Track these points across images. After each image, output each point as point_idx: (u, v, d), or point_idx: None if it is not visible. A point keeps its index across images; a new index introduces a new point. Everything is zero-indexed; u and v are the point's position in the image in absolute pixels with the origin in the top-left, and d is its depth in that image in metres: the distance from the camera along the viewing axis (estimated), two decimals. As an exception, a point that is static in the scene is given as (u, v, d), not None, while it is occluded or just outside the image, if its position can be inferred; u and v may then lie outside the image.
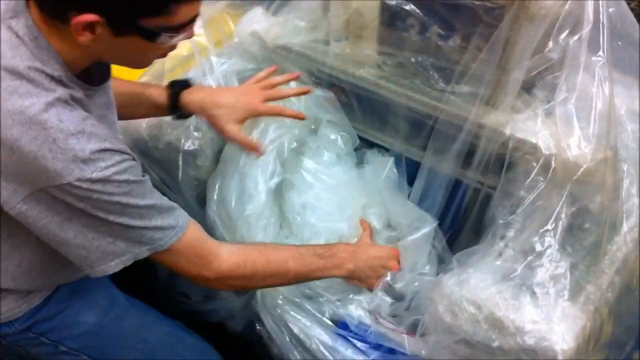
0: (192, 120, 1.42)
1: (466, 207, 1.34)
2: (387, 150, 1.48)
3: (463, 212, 1.36)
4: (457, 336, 1.04)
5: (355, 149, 1.55)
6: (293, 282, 1.21)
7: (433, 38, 1.22)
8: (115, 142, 0.93)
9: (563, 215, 1.07)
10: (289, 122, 1.44)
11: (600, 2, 1.06)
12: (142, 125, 1.45)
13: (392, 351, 1.17)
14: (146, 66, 1.05)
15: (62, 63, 0.91)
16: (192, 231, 1.05)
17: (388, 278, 1.26)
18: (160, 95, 1.31)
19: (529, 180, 1.12)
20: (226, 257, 1.09)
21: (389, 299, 1.25)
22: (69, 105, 0.89)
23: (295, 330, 1.19)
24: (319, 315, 1.23)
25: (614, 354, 1.18)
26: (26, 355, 1.20)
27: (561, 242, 1.06)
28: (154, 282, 1.53)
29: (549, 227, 1.07)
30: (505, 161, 1.17)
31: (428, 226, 1.30)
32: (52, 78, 0.88)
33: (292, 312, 1.22)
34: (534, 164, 1.13)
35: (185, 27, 0.92)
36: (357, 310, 1.25)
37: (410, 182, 1.45)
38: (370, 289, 1.27)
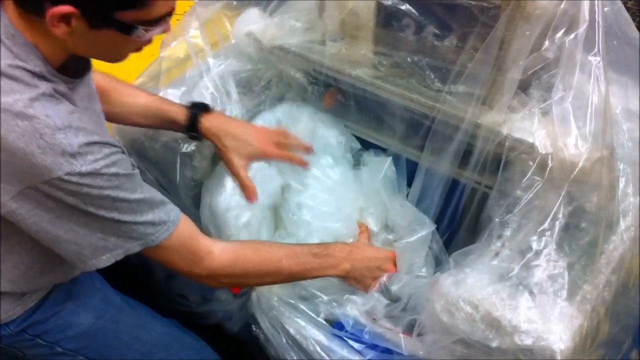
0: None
1: (463, 207, 1.35)
2: (384, 150, 1.48)
3: (460, 212, 1.36)
4: (454, 336, 1.04)
5: (353, 153, 1.55)
6: (288, 280, 1.21)
7: (429, 38, 1.22)
8: (103, 134, 0.93)
9: (560, 215, 1.07)
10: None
11: (596, 1, 1.06)
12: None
13: (388, 351, 1.17)
14: (122, 60, 1.05)
15: (42, 58, 0.91)
16: (184, 227, 1.05)
17: (384, 279, 1.26)
18: (179, 114, 1.34)
19: (525, 179, 1.12)
20: (218, 254, 1.09)
21: (384, 300, 1.25)
22: (55, 99, 0.89)
23: (292, 331, 1.19)
24: (315, 316, 1.23)
25: (611, 353, 1.18)
26: (22, 357, 1.20)
27: (558, 241, 1.06)
28: (150, 284, 1.52)
29: (545, 226, 1.07)
30: (502, 161, 1.17)
31: (426, 229, 1.30)
32: (33, 74, 0.88)
33: (287, 313, 1.22)
34: (530, 164, 1.13)
35: (160, 21, 0.92)
36: (352, 310, 1.25)
37: (409, 182, 1.45)
38: (366, 290, 1.27)
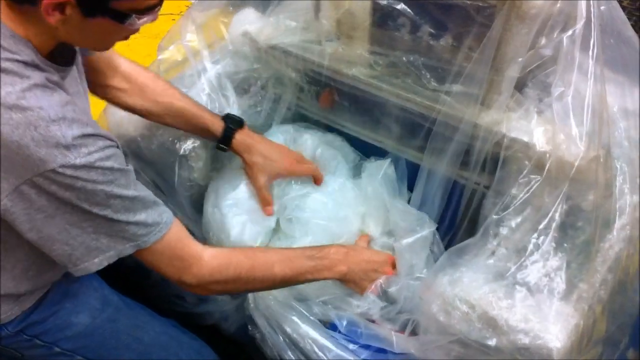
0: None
1: (464, 208, 1.34)
2: (384, 155, 1.48)
3: (461, 214, 1.35)
4: (450, 336, 1.04)
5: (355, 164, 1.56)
6: (282, 285, 1.20)
7: (424, 37, 1.22)
8: (97, 127, 0.93)
9: (556, 214, 1.07)
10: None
11: (592, 0, 1.06)
12: (134, 125, 1.45)
13: (382, 351, 1.17)
14: (109, 48, 1.06)
15: (32, 48, 0.91)
16: (176, 231, 1.05)
17: (381, 282, 1.26)
18: (216, 126, 1.37)
19: (522, 178, 1.12)
20: (207, 260, 1.08)
21: (380, 303, 1.25)
22: (48, 89, 0.89)
23: (288, 330, 1.19)
24: (311, 317, 1.23)
25: (608, 351, 1.18)
26: (21, 357, 1.20)
27: (554, 240, 1.06)
28: (147, 285, 1.52)
29: (541, 225, 1.07)
30: (500, 160, 1.17)
31: (426, 229, 1.30)
32: (25, 64, 0.89)
33: (284, 313, 1.21)
34: (527, 163, 1.13)
35: (153, 9, 0.94)
36: (347, 312, 1.25)
37: (410, 185, 1.45)
38: (362, 293, 1.26)
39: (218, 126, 1.37)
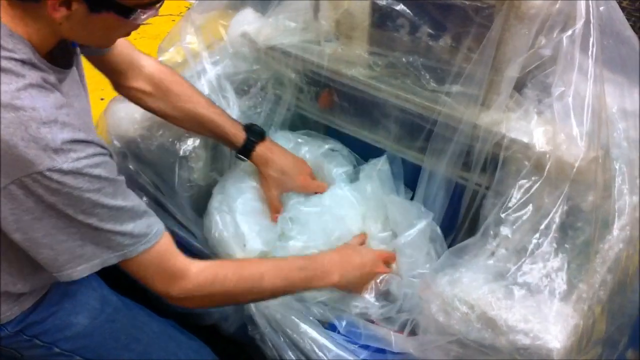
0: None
1: (465, 209, 1.34)
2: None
3: (462, 215, 1.35)
4: (450, 336, 1.04)
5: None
6: (273, 297, 1.19)
7: (423, 38, 1.22)
8: (91, 133, 0.92)
9: (555, 214, 1.07)
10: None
11: (591, 1, 1.06)
12: (134, 126, 1.45)
13: (382, 351, 1.17)
14: (110, 45, 1.07)
15: (30, 46, 0.90)
16: (164, 243, 1.03)
17: (378, 281, 1.26)
18: (238, 137, 1.40)
19: (521, 179, 1.12)
20: (194, 275, 1.06)
21: (378, 304, 1.25)
22: (44, 89, 0.89)
23: (289, 330, 1.19)
24: (311, 317, 1.23)
25: (607, 352, 1.18)
26: (20, 357, 1.20)
27: (553, 241, 1.06)
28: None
29: (541, 226, 1.07)
30: (500, 161, 1.17)
31: (423, 221, 1.30)
32: (22, 62, 0.88)
33: (284, 313, 1.21)
34: (526, 163, 1.13)
35: (156, 3, 0.94)
36: (346, 312, 1.25)
37: (410, 185, 1.45)
38: (362, 292, 1.27)
39: (240, 137, 1.40)
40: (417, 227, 1.30)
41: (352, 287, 1.26)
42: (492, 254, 1.09)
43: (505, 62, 1.12)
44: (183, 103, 1.36)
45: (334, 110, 1.52)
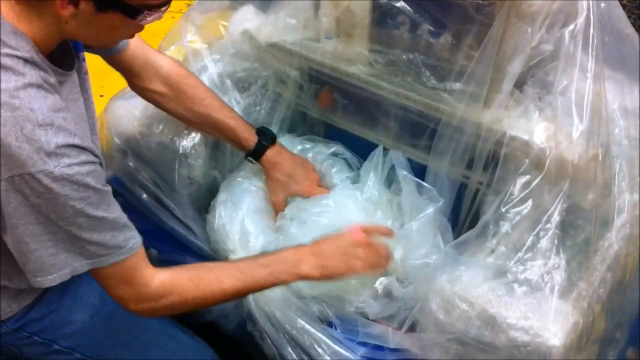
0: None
1: (467, 207, 1.34)
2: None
3: (464, 213, 1.35)
4: (449, 334, 1.04)
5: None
6: (237, 297, 1.17)
7: (424, 36, 1.22)
8: (86, 139, 0.92)
9: (555, 212, 1.07)
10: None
11: (591, -1, 1.06)
12: (133, 124, 1.45)
13: (380, 348, 1.17)
14: (113, 46, 1.08)
15: (33, 45, 0.90)
16: (135, 258, 1.02)
17: (380, 285, 1.25)
18: (248, 140, 1.42)
19: (521, 177, 1.12)
20: (154, 288, 1.05)
21: (376, 303, 1.24)
22: (43, 90, 0.88)
23: (288, 326, 1.19)
24: (310, 313, 1.23)
25: (607, 350, 1.19)
26: (19, 354, 1.20)
27: (553, 239, 1.06)
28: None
29: (540, 224, 1.07)
30: (500, 159, 1.17)
31: (431, 207, 1.30)
32: (25, 60, 0.88)
33: (284, 309, 1.21)
34: (526, 161, 1.13)
35: (163, 6, 0.94)
36: (344, 310, 1.25)
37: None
38: (353, 272, 1.19)
39: (251, 141, 1.42)
40: (426, 212, 1.30)
41: (333, 272, 1.18)
42: (492, 251, 1.09)
43: (506, 60, 1.12)
44: (197, 106, 1.37)
45: (334, 108, 1.52)
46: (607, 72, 1.15)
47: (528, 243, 1.06)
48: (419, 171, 1.38)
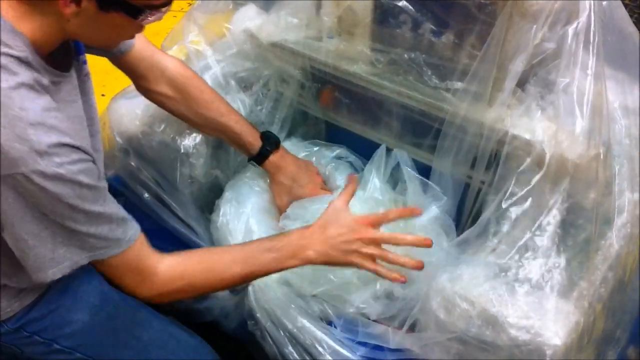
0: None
1: (470, 207, 1.33)
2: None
3: (467, 213, 1.34)
4: (450, 333, 1.04)
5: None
6: (245, 281, 1.19)
7: (426, 35, 1.22)
8: (77, 138, 0.92)
9: (556, 211, 1.07)
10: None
11: (593, -2, 1.06)
12: (135, 123, 1.45)
13: (380, 348, 1.17)
14: (114, 47, 1.08)
15: (29, 45, 0.90)
16: (137, 247, 1.04)
17: (380, 288, 1.25)
18: (253, 145, 1.43)
19: (522, 175, 1.12)
20: (162, 273, 1.07)
21: (379, 304, 1.24)
22: (34, 91, 0.88)
23: (289, 325, 1.19)
24: (311, 313, 1.23)
25: (608, 349, 1.18)
26: (20, 354, 1.19)
27: (554, 238, 1.06)
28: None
29: (542, 223, 1.07)
30: (502, 158, 1.17)
31: (434, 206, 1.30)
32: (19, 60, 0.88)
33: (285, 307, 1.21)
34: (527, 160, 1.13)
35: (164, 6, 0.94)
36: (345, 310, 1.25)
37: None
38: (354, 265, 1.16)
39: (255, 146, 1.43)
40: (429, 212, 1.30)
41: (336, 259, 1.16)
42: (493, 250, 1.09)
43: (509, 59, 1.12)
44: (203, 109, 1.38)
45: (336, 107, 1.52)
46: (608, 70, 1.15)
47: (529, 242, 1.06)
48: (423, 171, 1.38)
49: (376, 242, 1.15)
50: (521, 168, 1.11)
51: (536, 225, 1.07)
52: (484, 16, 1.11)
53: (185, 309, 1.41)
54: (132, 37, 1.03)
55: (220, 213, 1.42)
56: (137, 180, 1.47)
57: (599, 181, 1.08)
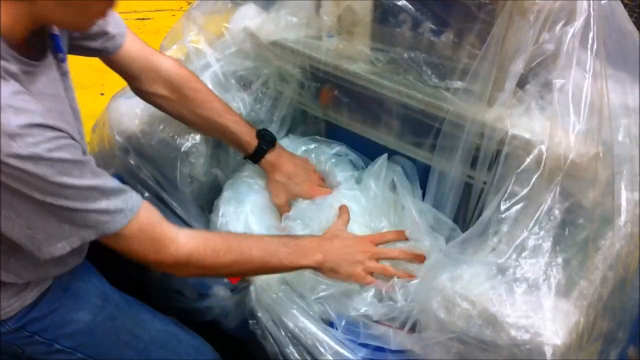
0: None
1: (473, 208, 1.33)
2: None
3: (469, 213, 1.34)
4: (451, 333, 1.04)
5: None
6: (260, 270, 1.20)
7: (425, 34, 1.22)
8: (50, 119, 0.89)
9: (556, 211, 1.07)
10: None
11: (593, -4, 1.06)
12: (135, 122, 1.45)
13: (381, 349, 1.17)
14: (87, 28, 1.04)
15: None
16: (145, 214, 1.02)
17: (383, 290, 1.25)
18: (250, 144, 1.44)
19: (522, 175, 1.12)
20: (184, 241, 1.06)
21: (381, 305, 1.24)
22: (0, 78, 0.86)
23: (290, 325, 1.19)
24: (312, 313, 1.23)
25: (608, 349, 1.18)
26: (21, 353, 1.20)
27: (554, 237, 1.06)
28: (147, 280, 1.52)
29: (542, 222, 1.07)
30: (502, 157, 1.17)
31: (434, 253, 1.29)
32: None
33: (286, 307, 1.22)
34: (527, 160, 1.13)
35: None
36: (346, 311, 1.25)
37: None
38: (348, 279, 1.24)
39: (252, 144, 1.44)
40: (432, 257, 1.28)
41: (338, 268, 1.22)
42: (493, 249, 1.09)
43: (509, 58, 1.12)
44: (200, 110, 1.38)
45: (336, 106, 1.52)
46: (608, 70, 1.15)
47: (529, 242, 1.06)
48: (423, 171, 1.38)
49: (377, 256, 1.25)
50: (521, 168, 1.11)
51: (536, 224, 1.06)
52: (483, 15, 1.11)
53: (185, 309, 1.42)
54: (104, 14, 0.98)
55: (220, 213, 1.42)
56: (137, 179, 1.47)
57: (598, 180, 1.08)
